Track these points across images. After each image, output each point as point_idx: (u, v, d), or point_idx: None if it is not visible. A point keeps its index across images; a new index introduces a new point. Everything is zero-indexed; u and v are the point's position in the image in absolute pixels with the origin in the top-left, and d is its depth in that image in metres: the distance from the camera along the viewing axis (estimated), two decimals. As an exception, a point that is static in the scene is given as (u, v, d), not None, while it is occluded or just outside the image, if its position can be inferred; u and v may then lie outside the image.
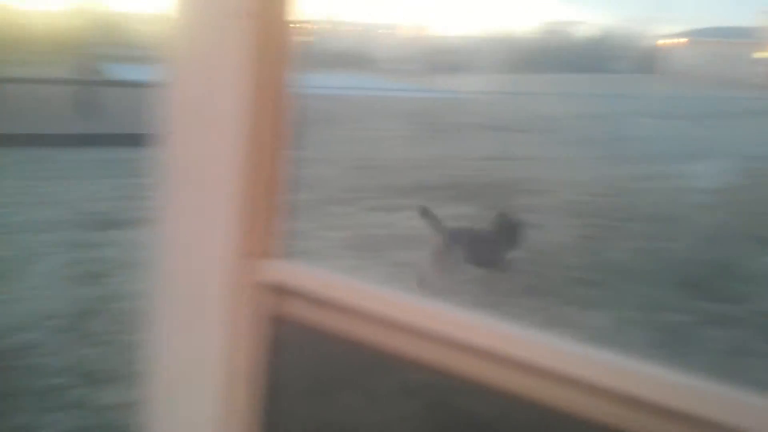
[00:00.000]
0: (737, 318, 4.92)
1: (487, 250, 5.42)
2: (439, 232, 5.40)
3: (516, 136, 13.19)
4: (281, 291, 0.96)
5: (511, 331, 0.83)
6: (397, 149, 11.12)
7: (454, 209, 7.56)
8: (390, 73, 19.28)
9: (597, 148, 11.83)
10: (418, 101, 18.09)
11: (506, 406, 0.84)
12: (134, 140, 10.31)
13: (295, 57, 0.97)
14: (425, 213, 5.55)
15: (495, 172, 9.66)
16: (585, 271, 5.80)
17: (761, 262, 6.13)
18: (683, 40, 30.89)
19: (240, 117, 0.93)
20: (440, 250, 5.32)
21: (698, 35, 30.35)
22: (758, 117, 16.52)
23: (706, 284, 5.49)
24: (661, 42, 31.59)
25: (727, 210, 7.75)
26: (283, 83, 0.97)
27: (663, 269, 5.89)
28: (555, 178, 9.19)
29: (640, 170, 9.99)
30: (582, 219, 7.13)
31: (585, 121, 15.59)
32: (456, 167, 9.95)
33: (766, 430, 0.75)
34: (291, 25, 0.94)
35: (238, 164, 0.95)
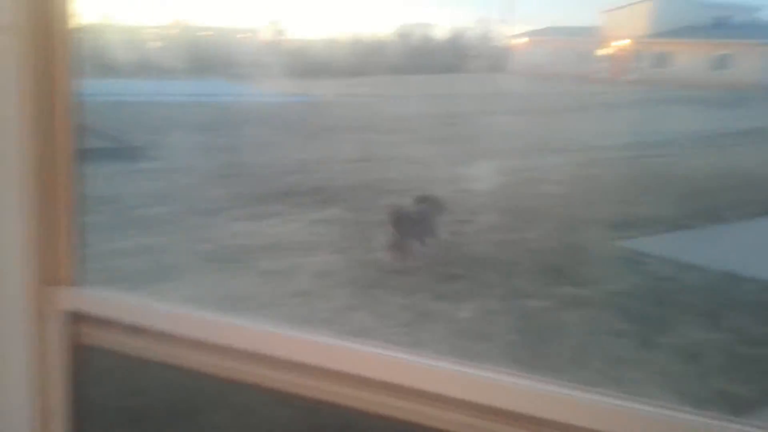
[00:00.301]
0: (593, 300, 5.22)
1: (423, 227, 6.21)
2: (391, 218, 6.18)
3: (377, 137, 13.36)
4: (84, 319, 0.93)
5: (319, 341, 0.82)
6: (260, 155, 10.95)
7: (320, 213, 7.54)
8: (248, 78, 18.97)
9: (454, 146, 12.21)
10: (278, 106, 17.93)
11: (315, 414, 0.84)
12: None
13: (78, 61, 0.92)
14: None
15: (359, 174, 9.73)
16: (451, 266, 5.95)
17: (610, 245, 6.55)
18: (531, 39, 32.64)
19: (21, 135, 0.87)
20: (393, 233, 6.11)
21: (544, 34, 32.17)
22: (603, 109, 17.72)
23: (562, 270, 5.80)
24: (510, 41, 33.20)
25: (577, 199, 8.24)
26: (68, 96, 0.92)
27: (522, 259, 6.15)
28: (417, 177, 9.39)
29: (497, 165, 10.41)
30: (445, 216, 7.31)
31: (442, 120, 16.06)
32: (320, 171, 9.94)
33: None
34: (73, 35, 0.89)
35: (27, 186, 0.89)
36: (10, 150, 0.89)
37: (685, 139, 13.94)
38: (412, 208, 6.52)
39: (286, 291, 5.48)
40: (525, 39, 32.77)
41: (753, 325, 4.84)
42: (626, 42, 29.64)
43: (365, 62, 25.84)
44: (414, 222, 6.24)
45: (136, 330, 0.89)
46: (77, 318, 0.93)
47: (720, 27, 28.84)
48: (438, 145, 12.37)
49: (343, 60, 26.15)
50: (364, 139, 13.07)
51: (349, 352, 0.81)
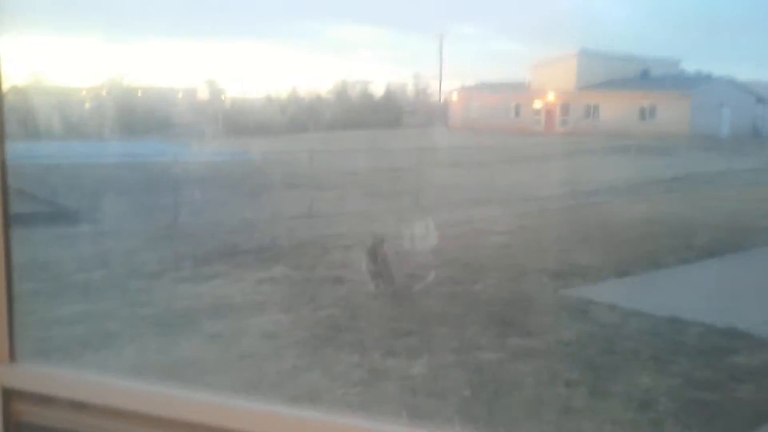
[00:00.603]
0: (541, 350, 5.24)
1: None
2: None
3: (320, 193, 13.36)
4: (21, 395, 0.87)
5: (263, 408, 0.80)
6: (201, 215, 10.78)
7: (266, 272, 7.43)
8: (186, 138, 18.81)
9: (396, 200, 12.30)
10: (217, 165, 17.79)
11: None
12: None
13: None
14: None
15: (303, 231, 9.67)
16: (401, 321, 5.91)
17: (555, 294, 6.63)
18: (464, 94, 33.49)
19: None
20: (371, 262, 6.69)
21: (478, 89, 33.08)
22: (539, 160, 18.21)
23: (510, 321, 5.83)
24: (444, 97, 34.00)
25: (521, 248, 8.36)
26: None
27: (471, 311, 6.17)
28: (362, 232, 9.38)
29: (441, 218, 10.51)
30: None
31: (384, 174, 16.20)
32: (263, 229, 9.83)
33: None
34: None
35: None
36: None
37: (619, 186, 14.42)
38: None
39: (233, 354, 5.33)
40: (459, 94, 33.69)
41: (700, 369, 4.93)
42: (555, 95, 30.79)
43: (304, 119, 26.04)
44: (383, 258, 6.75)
45: (76, 405, 0.83)
46: (14, 395, 0.86)
47: (643, 79, 30.30)
48: (381, 199, 12.45)
49: (282, 117, 26.28)
50: (307, 196, 13.05)
51: (298, 420, 0.77)
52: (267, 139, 22.90)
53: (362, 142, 23.07)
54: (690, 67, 30.77)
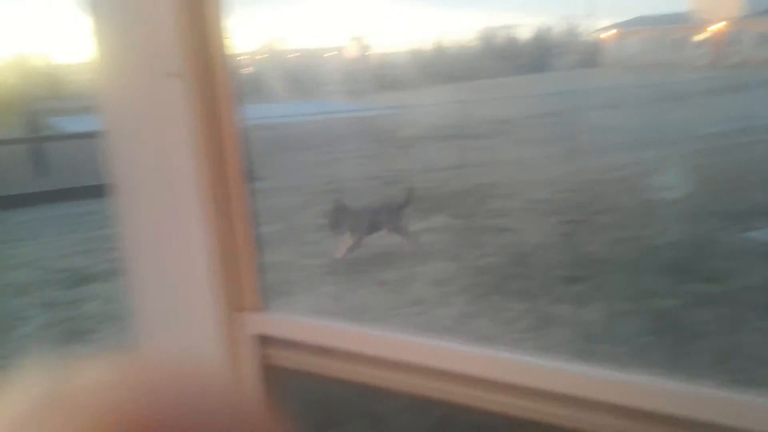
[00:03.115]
0: (726, 296, 4.98)
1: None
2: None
3: (472, 142, 13.29)
4: (270, 342, 0.97)
5: (492, 355, 0.82)
6: (359, 168, 11.10)
7: (426, 222, 7.55)
8: (338, 95, 19.32)
9: (554, 146, 11.98)
10: (371, 119, 18.14)
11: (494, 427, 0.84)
12: (91, 192, 10.10)
13: (238, 95, 0.98)
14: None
15: (459, 180, 9.70)
16: (568, 268, 5.82)
17: (737, 237, 6.24)
18: (620, 31, 31.69)
19: (195, 168, 0.94)
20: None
21: (634, 24, 31.17)
22: (706, 96, 16.96)
23: (688, 266, 5.56)
24: (598, 35, 32.34)
25: (693, 190, 7.90)
26: (232, 129, 0.97)
27: (644, 257, 5.95)
28: (519, 180, 9.27)
29: (601, 162, 10.14)
30: (555, 217, 7.18)
31: (536, 120, 15.81)
32: (420, 180, 9.96)
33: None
34: (230, 70, 0.95)
35: (208, 218, 0.94)
36: (188, 183, 0.94)
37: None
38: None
39: (403, 301, 5.52)
40: (613, 31, 31.84)
41: None
42: (721, 24, 28.32)
43: (451, 70, 25.81)
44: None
45: (321, 350, 0.92)
46: (265, 341, 0.97)
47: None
48: (538, 145, 12.18)
49: (428, 69, 26.22)
50: (461, 146, 13.03)
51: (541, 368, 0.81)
52: (416, 91, 23.03)
53: (511, 89, 22.60)
54: None
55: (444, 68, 26.36)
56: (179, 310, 0.99)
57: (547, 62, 29.74)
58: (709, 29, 28.61)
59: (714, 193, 7.89)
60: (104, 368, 0.40)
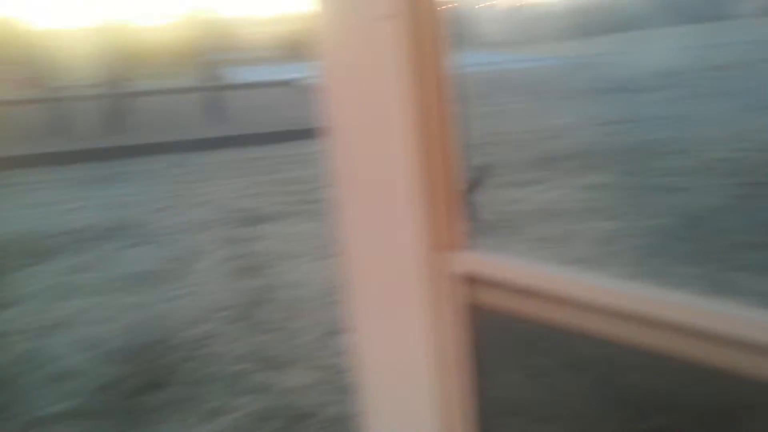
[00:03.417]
0: None
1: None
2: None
3: (637, 96, 12.65)
4: (473, 281, 0.98)
5: (705, 305, 0.78)
6: (523, 121, 10.94)
7: (586, 179, 7.34)
8: (501, 46, 18.94)
9: (733, 101, 11.14)
10: (528, 71, 17.69)
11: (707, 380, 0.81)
12: (262, 139, 10.68)
13: (448, 43, 0.99)
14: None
15: (622, 137, 9.30)
16: (746, 234, 5.48)
17: None
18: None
19: (405, 112, 0.96)
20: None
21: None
22: None
23: None
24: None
25: None
26: (441, 73, 0.99)
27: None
28: (694, 137, 8.73)
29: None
30: (734, 178, 6.74)
31: (711, 73, 14.72)
32: (584, 134, 9.65)
33: None
34: (441, 13, 0.96)
35: (413, 158, 0.98)
36: (396, 124, 0.97)
37: None
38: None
39: (566, 258, 5.44)
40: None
41: None
42: None
43: (612, 20, 24.49)
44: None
45: (525, 291, 0.95)
46: (470, 280, 1.01)
47: None
48: (709, 100, 11.38)
49: (588, 20, 25.03)
50: (623, 99, 12.45)
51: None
52: (576, 42, 22.12)
53: (680, 39, 21.10)
54: None
55: (607, 18, 25.07)
56: (384, 246, 1.04)
57: (724, 9, 27.42)
58: None
59: None
60: None
